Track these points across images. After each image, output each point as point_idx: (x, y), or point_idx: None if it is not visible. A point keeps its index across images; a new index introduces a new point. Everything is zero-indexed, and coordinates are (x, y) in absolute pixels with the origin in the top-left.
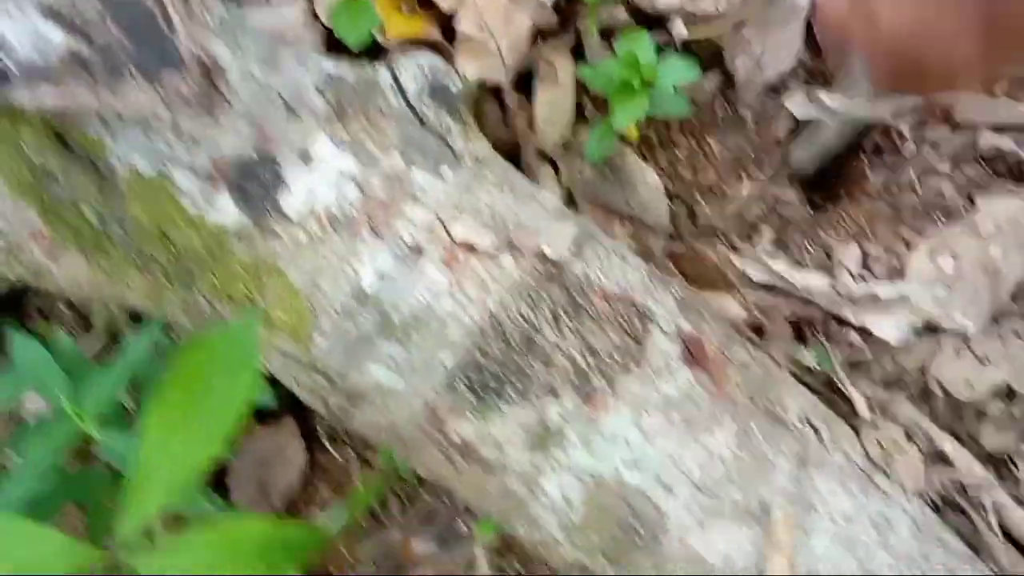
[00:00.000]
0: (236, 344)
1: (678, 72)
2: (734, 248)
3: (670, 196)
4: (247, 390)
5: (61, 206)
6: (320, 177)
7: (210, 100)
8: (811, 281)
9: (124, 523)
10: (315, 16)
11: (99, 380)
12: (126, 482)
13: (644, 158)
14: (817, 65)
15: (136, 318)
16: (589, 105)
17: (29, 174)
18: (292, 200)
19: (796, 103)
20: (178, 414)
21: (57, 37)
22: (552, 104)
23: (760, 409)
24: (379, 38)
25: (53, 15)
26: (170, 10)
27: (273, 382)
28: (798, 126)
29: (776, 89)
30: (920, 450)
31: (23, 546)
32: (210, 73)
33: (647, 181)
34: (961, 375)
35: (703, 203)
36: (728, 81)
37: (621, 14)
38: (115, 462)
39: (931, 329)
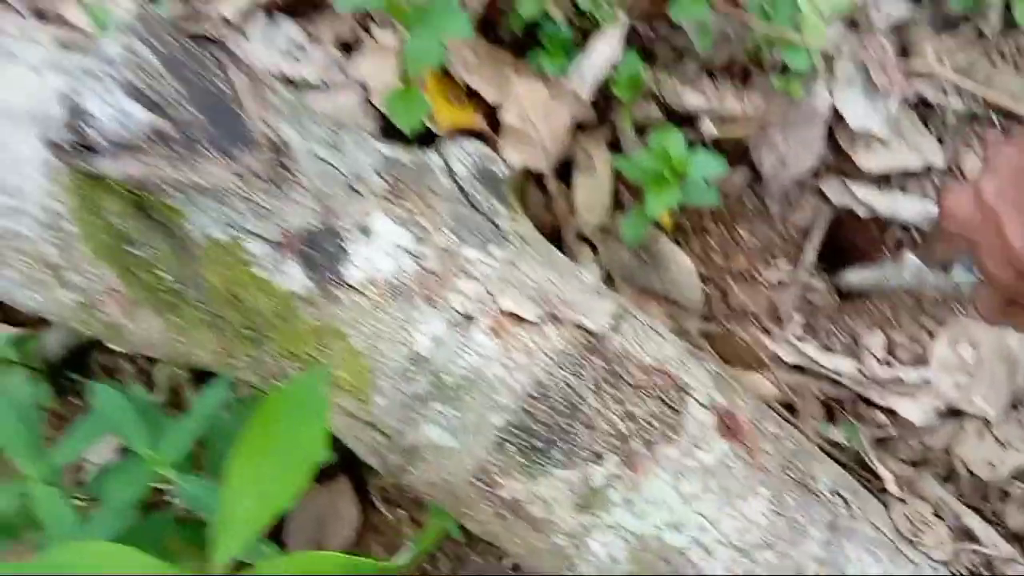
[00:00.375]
0: (306, 397)
1: (707, 166)
2: (766, 331)
3: (703, 280)
4: (317, 438)
5: (139, 268)
6: (379, 249)
7: (279, 176)
8: (839, 364)
9: (214, 555)
10: (369, 102)
11: (175, 428)
12: (216, 519)
13: (678, 243)
14: (838, 163)
15: (197, 378)
16: (625, 193)
17: (110, 238)
18: (353, 269)
19: (832, 189)
20: (257, 459)
21: (140, 114)
22: (590, 191)
23: (792, 479)
24: (429, 126)
25: (136, 94)
26: (241, 94)
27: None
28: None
29: (800, 184)
30: (947, 526)
31: (120, 569)
32: (279, 151)
33: (681, 264)
34: (984, 457)
35: (735, 287)
36: (755, 175)
37: (654, 111)
38: (190, 505)
39: (954, 412)
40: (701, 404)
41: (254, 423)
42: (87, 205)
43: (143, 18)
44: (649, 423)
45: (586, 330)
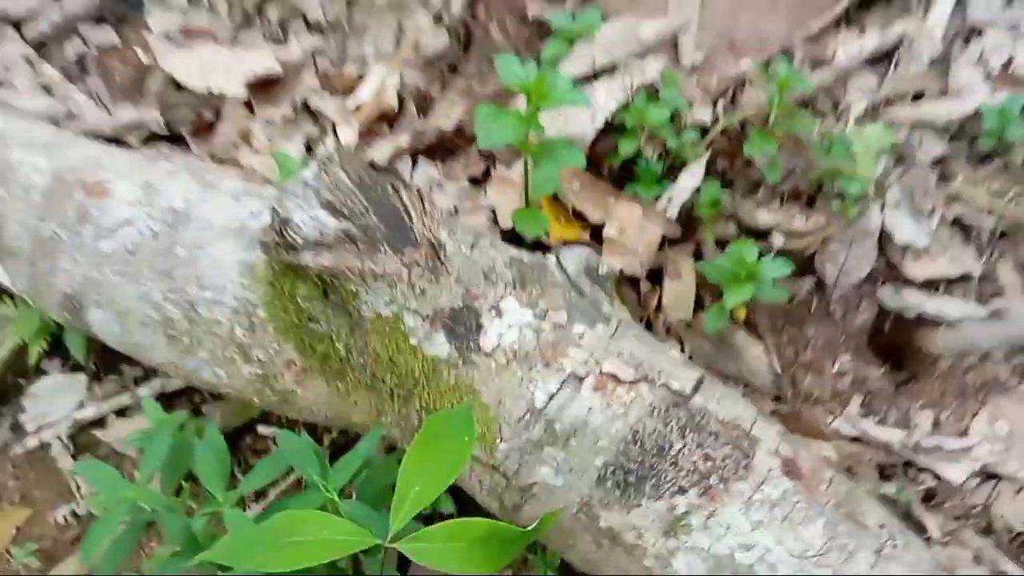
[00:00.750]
0: (458, 421)
1: (776, 268)
2: (829, 412)
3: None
4: (466, 448)
5: (317, 341)
6: (507, 324)
7: (435, 267)
8: (892, 436)
9: (392, 523)
10: (494, 222)
11: (339, 466)
12: (393, 499)
13: (753, 339)
14: (890, 272)
15: (333, 454)
16: (706, 297)
17: (294, 318)
18: (487, 340)
19: (886, 294)
20: (422, 460)
21: (331, 221)
22: (677, 293)
23: (845, 514)
24: (543, 238)
25: (329, 207)
26: (410, 207)
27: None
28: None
29: (858, 289)
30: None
31: (321, 531)
32: (435, 249)
33: (754, 353)
34: (1019, 512)
35: (803, 376)
36: (819, 282)
37: (731, 229)
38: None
39: (992, 476)
40: (769, 451)
41: (422, 434)
42: (278, 292)
43: (339, 151)
44: (725, 463)
45: (673, 389)
